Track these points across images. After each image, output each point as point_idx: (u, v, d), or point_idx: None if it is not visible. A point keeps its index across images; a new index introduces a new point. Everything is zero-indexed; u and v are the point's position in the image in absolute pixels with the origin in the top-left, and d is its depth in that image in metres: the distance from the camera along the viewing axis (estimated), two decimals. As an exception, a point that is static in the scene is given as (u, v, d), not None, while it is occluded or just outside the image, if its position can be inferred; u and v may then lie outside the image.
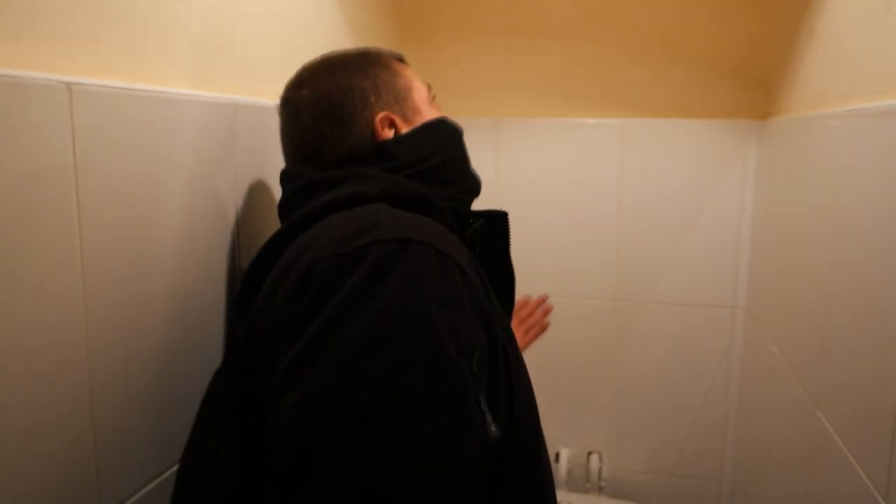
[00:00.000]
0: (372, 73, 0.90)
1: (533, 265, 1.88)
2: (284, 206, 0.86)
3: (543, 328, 1.34)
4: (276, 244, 0.76)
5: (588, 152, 1.89)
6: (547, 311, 1.34)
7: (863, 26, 1.10)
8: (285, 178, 0.88)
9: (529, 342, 1.31)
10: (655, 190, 1.87)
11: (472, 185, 0.98)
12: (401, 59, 0.97)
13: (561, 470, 1.97)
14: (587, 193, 1.90)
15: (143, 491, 0.79)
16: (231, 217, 0.95)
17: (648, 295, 1.92)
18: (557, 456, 1.99)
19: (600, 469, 1.92)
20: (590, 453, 1.97)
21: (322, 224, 0.72)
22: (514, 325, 1.28)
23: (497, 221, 0.84)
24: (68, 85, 0.63)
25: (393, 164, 0.85)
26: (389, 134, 0.89)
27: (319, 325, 0.60)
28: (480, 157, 1.95)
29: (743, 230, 1.83)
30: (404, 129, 0.90)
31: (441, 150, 0.91)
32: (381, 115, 0.88)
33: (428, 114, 0.93)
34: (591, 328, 1.96)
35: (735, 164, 1.82)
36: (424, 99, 0.94)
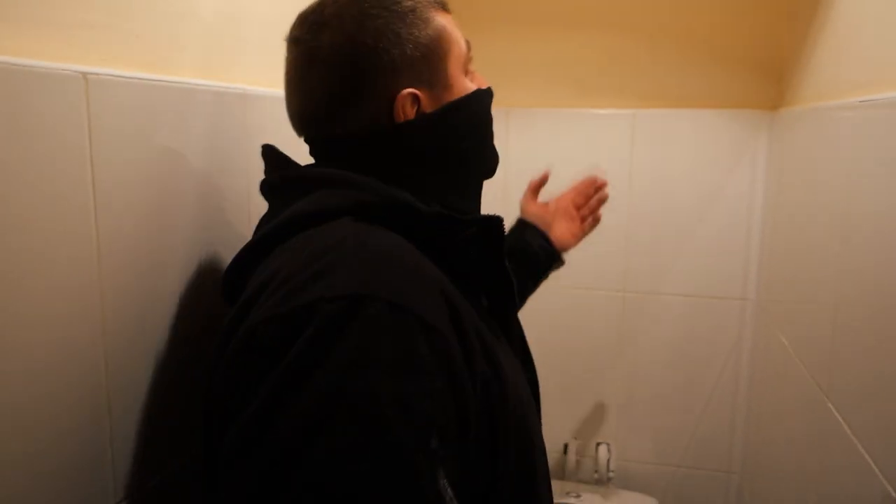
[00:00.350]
0: (409, 33, 0.74)
1: (542, 256, 1.87)
2: (264, 192, 0.80)
3: (597, 220, 1.26)
4: (250, 259, 0.71)
5: (599, 143, 1.89)
6: (602, 201, 1.25)
7: (876, 16, 1.09)
8: (265, 156, 0.81)
9: (584, 233, 1.25)
10: (666, 180, 1.86)
11: (489, 166, 0.87)
12: (443, 6, 0.80)
13: (569, 461, 1.98)
14: (597, 184, 1.89)
15: (158, 480, 0.79)
16: (244, 206, 0.95)
17: (658, 286, 1.91)
18: (566, 447, 2.00)
19: (608, 460, 1.93)
20: (598, 444, 1.97)
21: (286, 246, 0.66)
22: (566, 214, 1.23)
23: (491, 229, 0.71)
24: (84, 75, 0.64)
25: (402, 154, 0.76)
26: (410, 113, 0.75)
27: (256, 409, 0.54)
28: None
29: (753, 221, 1.83)
30: (429, 108, 0.76)
31: (464, 137, 0.80)
32: (405, 91, 0.74)
33: (460, 88, 0.79)
34: (600, 319, 1.96)
35: (746, 155, 1.81)
36: (460, 66, 0.80)
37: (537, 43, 1.90)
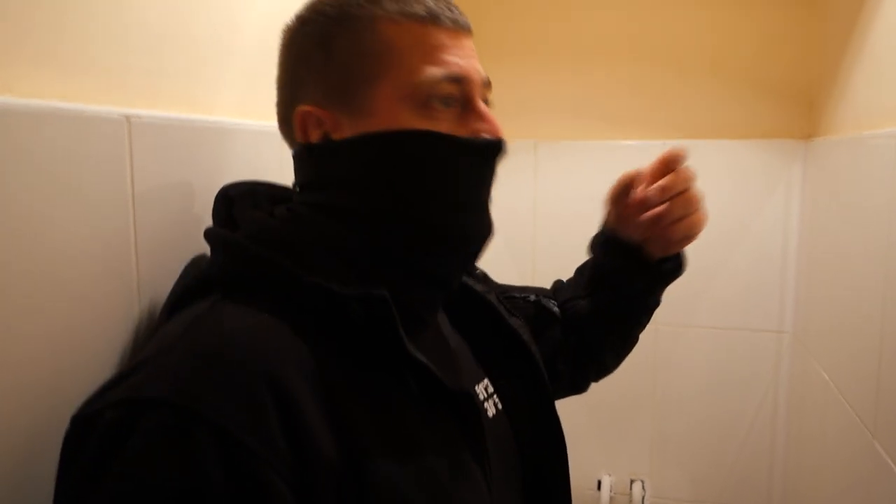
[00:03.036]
0: (337, 43, 0.64)
1: (573, 289, 1.86)
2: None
3: (694, 224, 0.87)
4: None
5: (628, 175, 1.88)
6: (689, 180, 0.86)
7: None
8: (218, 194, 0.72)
9: (678, 242, 0.88)
10: (697, 212, 1.84)
11: (454, 234, 0.66)
12: (425, 19, 0.64)
13: (603, 498, 1.93)
14: (627, 216, 1.88)
15: None
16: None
17: (691, 318, 1.88)
18: (599, 483, 1.96)
19: (643, 497, 1.88)
20: (632, 481, 1.93)
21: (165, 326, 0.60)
22: (629, 223, 0.89)
23: (377, 308, 0.58)
24: (128, 118, 0.65)
25: (318, 186, 0.66)
26: (313, 136, 0.65)
27: None
28: (520, 180, 1.96)
29: (789, 252, 1.79)
30: (336, 135, 0.64)
31: (387, 183, 0.64)
32: (300, 109, 0.65)
33: (388, 119, 0.63)
34: (632, 352, 1.93)
35: (780, 185, 1.79)
36: (405, 95, 0.63)
37: (566, 75, 1.90)
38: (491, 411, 0.74)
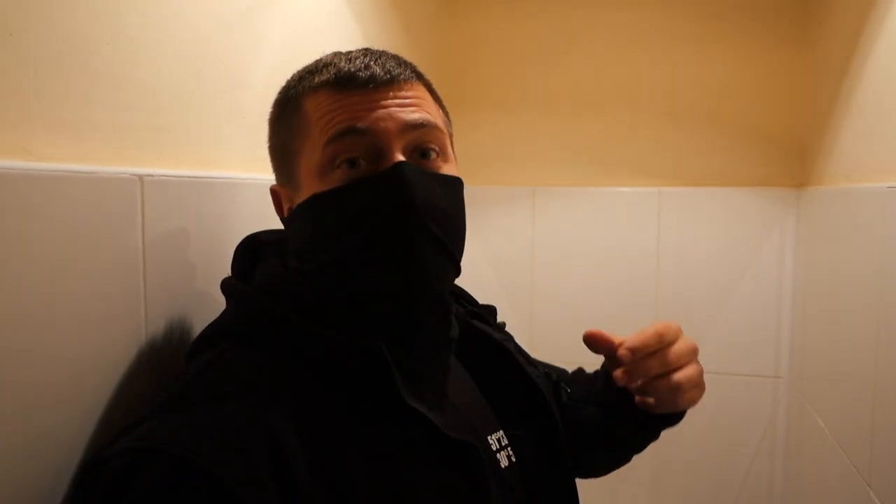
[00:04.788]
0: (279, 126, 0.71)
1: (570, 334, 1.86)
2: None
3: (679, 384, 0.78)
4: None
5: (625, 221, 1.91)
6: (663, 342, 0.79)
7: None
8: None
9: (669, 401, 0.81)
10: (693, 258, 1.87)
11: (358, 292, 0.65)
12: (342, 80, 0.64)
13: (601, 544, 1.92)
14: (624, 262, 1.91)
15: None
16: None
17: (688, 363, 1.89)
18: (597, 529, 1.94)
19: (642, 543, 1.87)
20: (630, 527, 1.92)
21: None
22: (645, 380, 0.80)
23: (372, 357, 0.60)
24: (140, 177, 0.67)
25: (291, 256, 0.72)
26: (284, 212, 0.72)
27: None
28: (517, 227, 1.99)
29: (784, 298, 1.81)
30: (287, 209, 0.71)
31: (313, 250, 0.66)
32: (273, 187, 0.73)
33: (307, 188, 0.66)
34: (629, 397, 1.93)
35: (773, 232, 1.81)
36: (315, 161, 0.64)
37: (563, 124, 1.94)
38: (504, 462, 0.73)
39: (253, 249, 0.73)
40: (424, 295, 0.65)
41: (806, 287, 1.68)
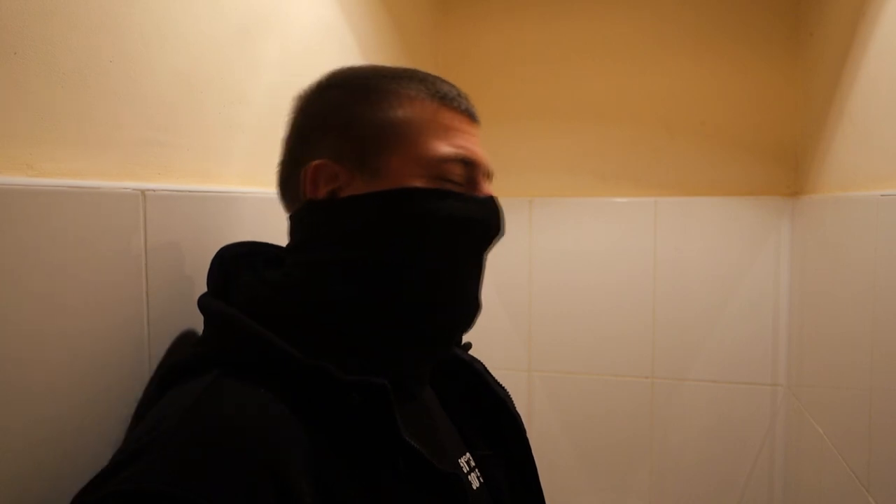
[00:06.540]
0: (351, 100, 0.67)
1: (568, 344, 1.88)
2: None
3: None
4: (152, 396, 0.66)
5: (621, 231, 1.92)
6: None
7: (892, 111, 1.13)
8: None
9: None
10: (690, 267, 1.88)
11: (440, 326, 0.69)
12: (445, 98, 0.68)
13: (602, 554, 1.92)
14: (622, 272, 1.92)
15: None
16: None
17: (685, 372, 1.90)
18: (598, 539, 1.94)
19: (643, 553, 1.87)
20: (631, 536, 1.92)
21: (160, 402, 0.61)
22: None
23: (375, 395, 0.60)
24: (143, 192, 0.69)
25: (301, 247, 0.68)
26: (320, 192, 0.67)
27: None
28: (515, 237, 2.00)
29: (781, 306, 1.83)
30: (347, 192, 0.66)
31: (385, 243, 0.65)
32: (316, 162, 0.66)
33: (396, 179, 0.65)
34: (627, 406, 1.94)
35: (769, 240, 1.83)
36: (416, 167, 0.65)
37: (560, 135, 1.96)
38: (475, 484, 0.73)
39: (225, 263, 0.71)
40: (472, 309, 0.71)
41: (802, 294, 1.69)
